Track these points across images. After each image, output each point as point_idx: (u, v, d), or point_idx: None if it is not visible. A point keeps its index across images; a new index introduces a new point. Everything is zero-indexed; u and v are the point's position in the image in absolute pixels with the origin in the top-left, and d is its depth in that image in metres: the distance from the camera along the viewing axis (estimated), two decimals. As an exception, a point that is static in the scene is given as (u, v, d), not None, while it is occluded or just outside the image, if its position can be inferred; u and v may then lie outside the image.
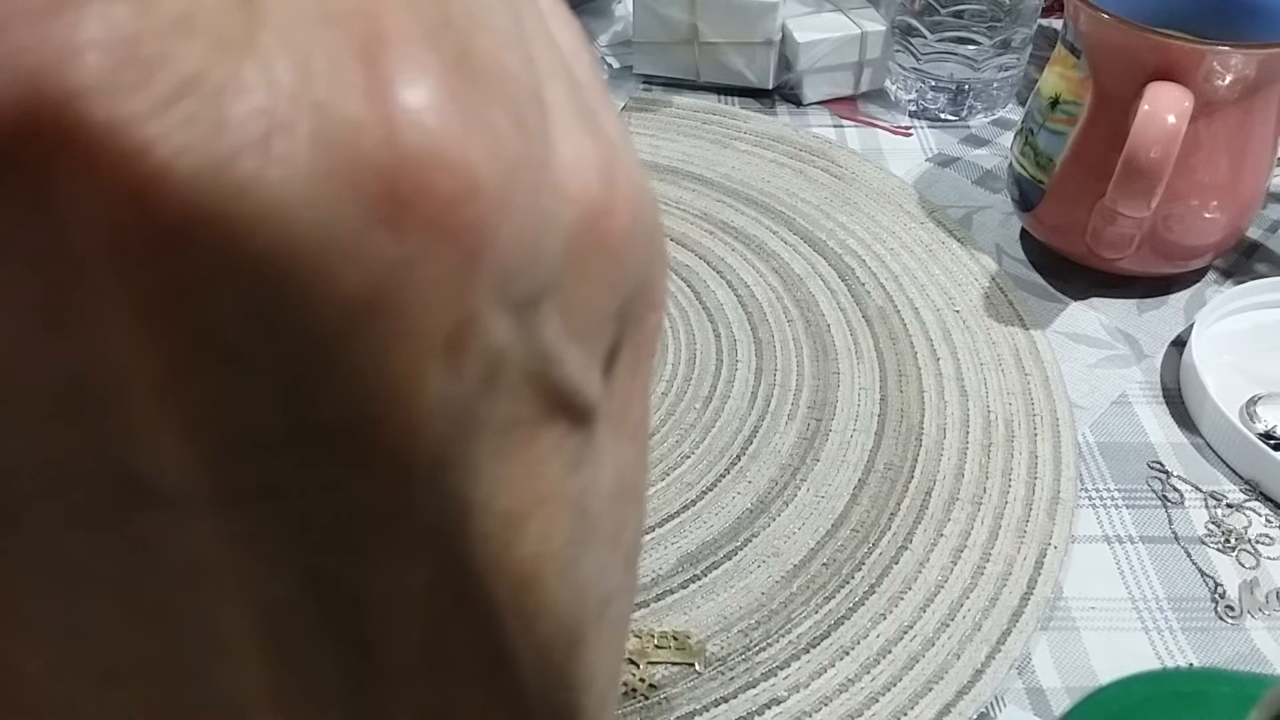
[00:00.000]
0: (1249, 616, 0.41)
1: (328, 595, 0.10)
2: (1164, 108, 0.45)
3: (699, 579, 0.42)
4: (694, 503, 0.45)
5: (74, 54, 0.07)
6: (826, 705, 0.37)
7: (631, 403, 0.12)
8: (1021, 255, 0.58)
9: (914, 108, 0.69)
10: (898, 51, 0.68)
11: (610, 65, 0.73)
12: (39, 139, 0.07)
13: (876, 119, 0.69)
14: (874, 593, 0.41)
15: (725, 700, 0.38)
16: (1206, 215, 0.51)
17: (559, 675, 0.12)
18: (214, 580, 0.09)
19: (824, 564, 0.42)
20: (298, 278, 0.08)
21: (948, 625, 0.40)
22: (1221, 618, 0.41)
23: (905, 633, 0.40)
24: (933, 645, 0.39)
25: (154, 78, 0.07)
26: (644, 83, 0.72)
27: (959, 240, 0.59)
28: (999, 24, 0.64)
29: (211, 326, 0.08)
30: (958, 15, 0.64)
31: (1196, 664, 0.39)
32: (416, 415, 0.09)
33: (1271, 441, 0.46)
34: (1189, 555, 0.43)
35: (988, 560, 0.42)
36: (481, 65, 0.09)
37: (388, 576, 0.10)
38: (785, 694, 0.38)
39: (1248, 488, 0.45)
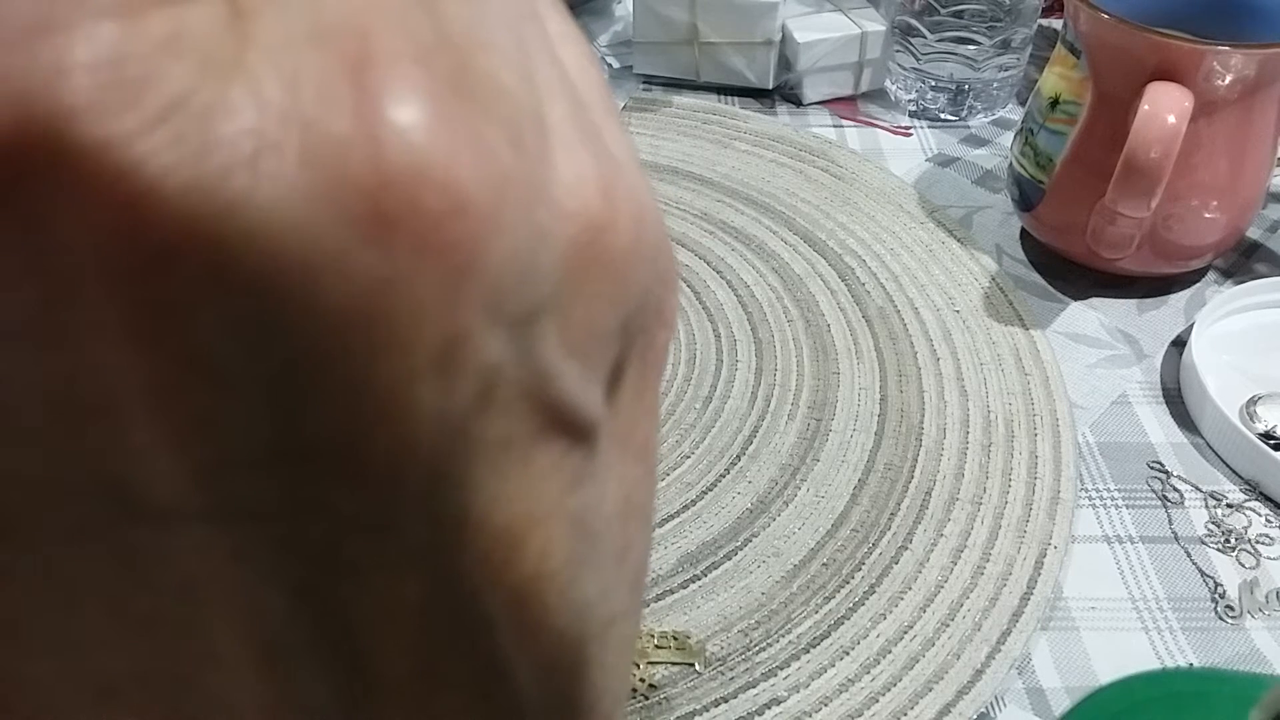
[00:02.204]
0: (1249, 616, 0.41)
1: (320, 610, 0.10)
2: (1164, 108, 0.45)
3: (699, 579, 0.42)
4: (694, 503, 0.45)
5: (61, 75, 0.07)
6: (826, 705, 0.37)
7: (639, 421, 0.12)
8: (1021, 255, 0.58)
9: (914, 108, 0.69)
10: (898, 51, 0.68)
11: (610, 65, 0.73)
12: (28, 160, 0.07)
13: (876, 119, 0.69)
14: (874, 593, 0.41)
15: (725, 700, 0.38)
16: (1206, 215, 0.51)
17: (561, 696, 0.12)
18: (207, 594, 0.09)
19: (824, 564, 0.42)
20: (285, 296, 0.08)
21: (948, 625, 0.40)
22: (1221, 618, 0.41)
23: (905, 633, 0.40)
24: (933, 645, 0.39)
25: (142, 98, 0.07)
26: (644, 83, 0.72)
27: (959, 240, 0.59)
28: (999, 24, 0.64)
29: (200, 343, 0.08)
30: (958, 15, 0.64)
31: (1196, 664, 0.39)
32: (407, 433, 0.09)
33: (1271, 441, 0.46)
34: (1189, 555, 0.43)
35: (988, 560, 0.42)
36: (476, 83, 0.09)
37: (380, 592, 0.10)
38: (785, 694, 0.38)
39: (1248, 488, 0.45)
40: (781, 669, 0.39)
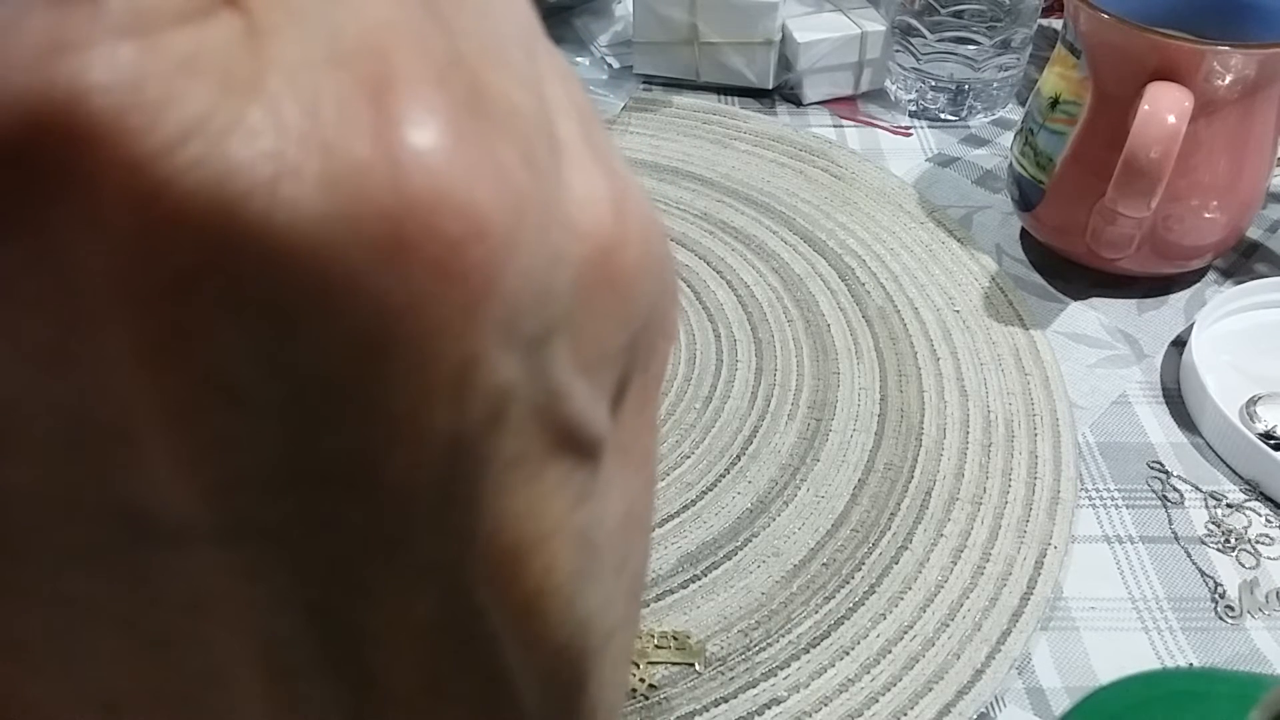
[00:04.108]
0: (1249, 616, 0.41)
1: (329, 628, 0.10)
2: (1164, 108, 0.45)
3: (699, 579, 0.42)
4: (694, 503, 0.45)
5: (79, 97, 0.07)
6: (826, 705, 0.37)
7: (640, 433, 0.12)
8: (1021, 255, 0.58)
9: (914, 108, 0.69)
10: (898, 51, 0.68)
11: (610, 65, 0.73)
12: (44, 182, 0.07)
13: (876, 119, 0.69)
14: (874, 593, 0.41)
15: (725, 700, 0.38)
16: (1206, 215, 0.51)
17: (562, 709, 0.12)
18: (216, 612, 0.09)
19: (824, 564, 0.42)
20: (303, 320, 0.08)
21: (948, 625, 0.40)
22: (1221, 618, 0.41)
23: (905, 633, 0.40)
24: (933, 645, 0.39)
25: (161, 119, 0.07)
26: (644, 83, 0.72)
27: (959, 240, 0.59)
28: (999, 24, 0.64)
29: (217, 366, 0.08)
30: (958, 15, 0.64)
31: (1196, 664, 0.39)
32: (419, 455, 0.09)
33: (1271, 441, 0.46)
34: (1189, 555, 0.43)
35: (988, 560, 0.42)
36: (492, 103, 0.09)
37: (389, 610, 0.10)
38: (785, 694, 0.38)
39: (1248, 488, 0.45)
40: (781, 669, 0.39)
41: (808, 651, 0.39)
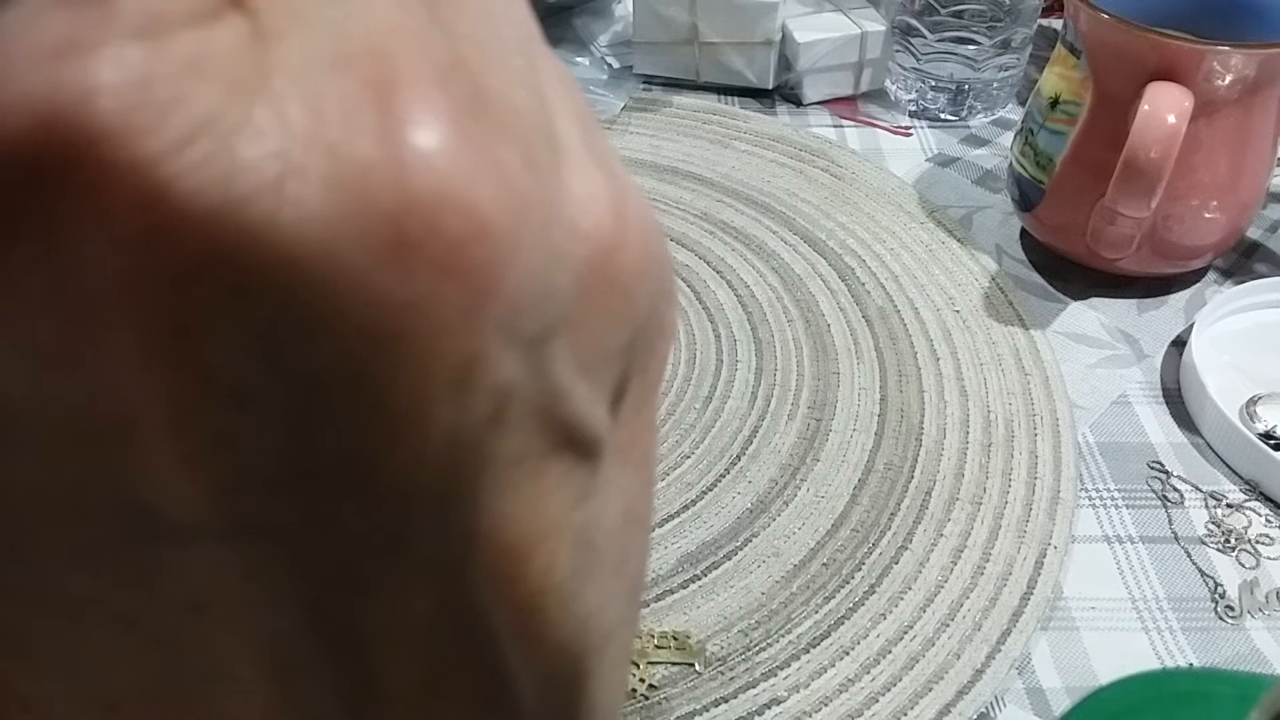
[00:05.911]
0: (1249, 616, 0.41)
1: (330, 626, 0.10)
2: (1164, 108, 0.45)
3: (699, 579, 0.42)
4: (694, 503, 0.45)
5: (89, 97, 0.07)
6: (826, 705, 0.37)
7: (639, 433, 0.12)
8: (1021, 255, 0.58)
9: (914, 108, 0.69)
10: (898, 51, 0.68)
11: (610, 65, 0.73)
12: (52, 181, 0.07)
13: (876, 119, 0.69)
14: (874, 593, 0.41)
15: (725, 700, 0.38)
16: (1206, 215, 0.51)
17: (560, 708, 0.12)
18: (217, 611, 0.09)
19: (824, 564, 0.42)
20: (306, 319, 0.08)
21: (948, 625, 0.40)
22: (1221, 618, 0.41)
23: (905, 633, 0.40)
24: (933, 645, 0.39)
25: (169, 119, 0.08)
26: (644, 83, 0.72)
27: (959, 240, 0.59)
28: (999, 24, 0.64)
29: (219, 366, 0.08)
30: (958, 15, 0.64)
31: (1196, 664, 0.39)
32: (420, 453, 0.09)
33: (1271, 441, 0.46)
34: (1189, 555, 0.43)
35: (988, 560, 0.42)
36: (493, 105, 0.09)
37: (390, 608, 0.10)
38: (785, 694, 0.38)
39: (1248, 488, 0.45)
40: (781, 669, 0.39)
41: (808, 651, 0.39)
